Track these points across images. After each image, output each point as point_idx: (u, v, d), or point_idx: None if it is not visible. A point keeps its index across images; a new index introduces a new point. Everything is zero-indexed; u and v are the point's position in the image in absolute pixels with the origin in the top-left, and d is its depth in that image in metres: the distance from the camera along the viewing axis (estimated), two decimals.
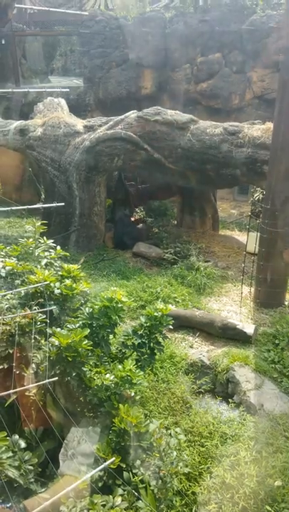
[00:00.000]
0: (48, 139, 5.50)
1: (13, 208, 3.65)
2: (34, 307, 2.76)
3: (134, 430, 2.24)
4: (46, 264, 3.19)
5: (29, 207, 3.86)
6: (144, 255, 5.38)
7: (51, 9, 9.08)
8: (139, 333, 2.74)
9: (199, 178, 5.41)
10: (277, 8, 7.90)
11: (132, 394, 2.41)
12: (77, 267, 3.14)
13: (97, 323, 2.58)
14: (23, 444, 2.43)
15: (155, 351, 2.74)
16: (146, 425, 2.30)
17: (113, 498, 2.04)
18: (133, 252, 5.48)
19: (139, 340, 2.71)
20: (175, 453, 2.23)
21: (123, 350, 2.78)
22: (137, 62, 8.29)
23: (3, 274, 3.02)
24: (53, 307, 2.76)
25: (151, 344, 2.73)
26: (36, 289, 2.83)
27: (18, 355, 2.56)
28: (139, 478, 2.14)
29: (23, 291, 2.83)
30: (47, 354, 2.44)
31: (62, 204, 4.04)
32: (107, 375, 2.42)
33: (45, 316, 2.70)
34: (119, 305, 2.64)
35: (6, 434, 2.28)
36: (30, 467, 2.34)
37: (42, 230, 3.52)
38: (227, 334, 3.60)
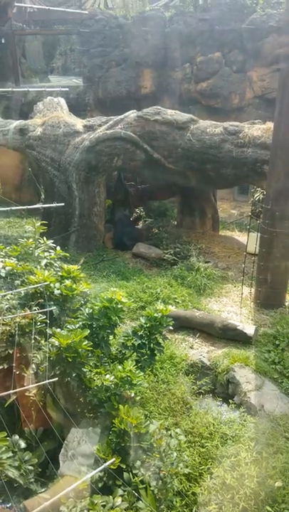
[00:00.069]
0: (47, 138, 5.49)
1: (12, 208, 3.64)
2: (34, 307, 2.75)
3: (134, 431, 2.24)
4: (46, 265, 3.19)
5: (29, 207, 3.86)
6: (143, 256, 5.37)
7: (51, 8, 9.07)
8: (139, 333, 2.73)
9: (199, 178, 5.40)
10: (277, 7, 7.89)
11: (132, 395, 2.41)
12: (77, 268, 3.14)
13: (97, 323, 2.58)
14: (23, 445, 2.43)
15: (155, 352, 2.74)
16: (146, 426, 2.30)
17: (113, 498, 2.04)
18: (133, 252, 5.47)
19: (139, 341, 2.71)
20: (175, 454, 2.23)
21: (123, 351, 2.78)
22: (137, 62, 8.27)
23: (3, 275, 3.02)
24: (53, 308, 2.76)
25: (151, 345, 2.72)
26: (36, 290, 2.83)
27: (18, 355, 2.56)
28: (140, 479, 2.14)
29: (23, 292, 2.83)
30: (47, 354, 2.43)
31: (62, 204, 4.03)
32: (107, 376, 2.42)
33: (45, 317, 2.69)
34: (119, 306, 2.63)
35: (6, 434, 2.28)
36: (31, 467, 2.34)
37: (42, 231, 3.52)
38: (227, 335, 3.60)
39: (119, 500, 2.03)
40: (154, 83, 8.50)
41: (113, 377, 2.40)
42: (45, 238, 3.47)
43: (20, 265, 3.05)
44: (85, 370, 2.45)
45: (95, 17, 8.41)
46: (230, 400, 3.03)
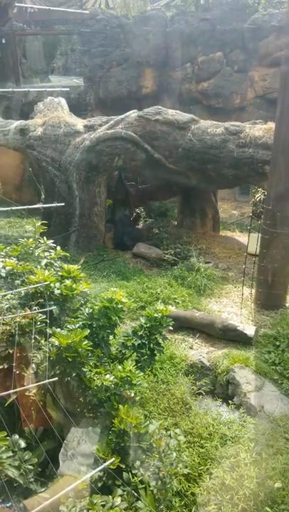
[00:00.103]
0: (48, 138, 5.49)
1: (13, 207, 3.65)
2: (34, 307, 2.76)
3: (134, 431, 2.24)
4: (46, 265, 3.19)
5: (29, 207, 3.86)
6: (144, 256, 5.37)
7: (52, 8, 9.06)
8: (139, 333, 2.73)
9: (200, 178, 5.39)
10: (279, 7, 7.86)
11: (132, 395, 2.41)
12: (77, 268, 3.14)
13: (97, 323, 2.58)
14: (23, 444, 2.44)
15: (155, 352, 2.74)
16: (145, 426, 2.30)
17: (113, 498, 2.05)
18: (133, 252, 5.47)
19: (139, 341, 2.71)
20: (175, 454, 2.23)
21: (123, 351, 2.78)
22: (138, 61, 8.27)
23: (4, 274, 3.02)
24: (53, 307, 2.76)
25: (151, 345, 2.72)
26: (36, 290, 2.83)
27: (18, 355, 2.56)
28: (139, 479, 2.14)
29: (23, 292, 2.83)
30: (47, 354, 2.44)
31: (62, 204, 4.04)
32: (107, 376, 2.42)
33: (45, 317, 2.70)
34: (119, 306, 2.64)
35: (6, 434, 2.28)
36: (30, 467, 2.34)
37: (42, 230, 3.52)
38: (227, 336, 3.60)
39: (118, 500, 2.04)
40: (155, 83, 8.49)
41: (113, 377, 2.40)
42: (45, 238, 3.47)
43: (20, 265, 3.06)
44: (85, 369, 2.45)
45: (96, 17, 8.41)
46: (229, 401, 3.03)
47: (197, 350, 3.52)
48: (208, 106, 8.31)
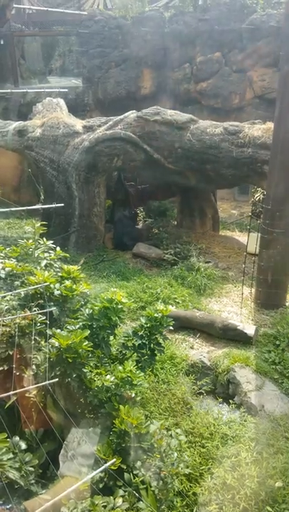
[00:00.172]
0: (46, 139, 5.49)
1: (12, 208, 3.65)
2: (34, 308, 2.75)
3: (135, 431, 2.24)
4: (46, 265, 3.18)
5: (28, 208, 3.86)
6: (144, 256, 5.37)
7: (50, 9, 9.07)
8: (140, 334, 2.73)
9: (199, 178, 5.40)
10: (278, 7, 7.88)
11: (133, 395, 2.41)
12: (77, 268, 3.14)
13: (97, 324, 2.58)
14: (23, 446, 2.43)
15: (155, 352, 2.74)
16: (146, 426, 2.30)
17: (114, 499, 2.04)
18: (133, 252, 5.47)
19: (140, 341, 2.71)
20: (176, 454, 2.23)
21: (123, 352, 2.77)
22: (136, 62, 8.27)
23: (3, 276, 3.02)
24: (53, 308, 2.76)
25: (152, 345, 2.72)
26: (36, 290, 2.82)
27: (18, 356, 2.56)
28: (140, 479, 2.14)
29: (22, 293, 2.83)
30: (47, 355, 2.43)
31: (62, 205, 4.03)
32: (108, 376, 2.41)
33: (45, 318, 2.69)
34: (119, 306, 2.63)
35: (6, 435, 2.28)
36: (31, 468, 2.34)
37: (41, 231, 3.51)
38: (228, 335, 3.60)
39: (120, 500, 2.03)
40: (154, 83, 8.50)
41: (113, 377, 2.40)
42: (44, 239, 3.47)
43: (20, 266, 3.05)
44: (85, 370, 2.45)
45: (94, 18, 8.41)
46: (230, 400, 3.03)
47: (198, 350, 3.52)
48: (206, 106, 8.32)
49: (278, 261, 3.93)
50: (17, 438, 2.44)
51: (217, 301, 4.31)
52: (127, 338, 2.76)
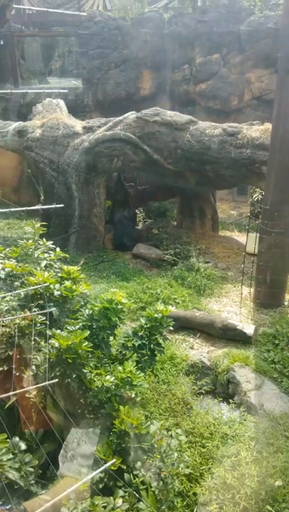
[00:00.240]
0: (46, 140, 5.50)
1: (12, 209, 3.65)
2: (34, 309, 2.75)
3: (135, 432, 2.24)
4: (46, 266, 3.19)
5: (28, 208, 3.87)
6: (143, 256, 5.38)
7: (49, 10, 9.10)
8: (140, 334, 2.74)
9: (198, 179, 5.41)
10: (275, 9, 7.93)
11: (133, 395, 2.41)
12: (77, 269, 3.14)
13: (97, 324, 2.58)
14: (23, 446, 2.43)
15: (155, 352, 2.74)
16: (146, 426, 2.30)
17: (114, 499, 2.04)
18: (133, 253, 5.47)
19: (140, 342, 2.71)
20: (176, 454, 2.23)
21: (123, 352, 2.78)
22: (136, 63, 8.30)
23: (3, 276, 3.02)
24: (53, 309, 2.76)
25: (152, 345, 2.73)
26: (36, 291, 2.82)
27: (17, 357, 2.56)
28: (140, 480, 2.14)
29: (22, 293, 2.83)
30: (47, 356, 2.43)
31: (62, 206, 4.04)
32: (108, 377, 2.41)
33: (44, 318, 2.69)
34: (119, 306, 2.64)
35: (6, 436, 2.28)
36: (31, 469, 2.34)
37: (41, 232, 3.52)
38: (227, 335, 3.61)
39: (120, 501, 2.03)
40: (154, 84, 8.52)
41: (113, 378, 2.40)
42: (44, 239, 3.47)
43: (19, 267, 3.05)
44: (85, 371, 2.45)
45: (94, 19, 8.44)
46: (230, 400, 3.03)
47: (198, 350, 3.53)
48: (206, 107, 8.35)
49: (277, 261, 3.95)
50: (17, 438, 2.44)
51: (217, 301, 4.32)
52: (127, 339, 2.76)
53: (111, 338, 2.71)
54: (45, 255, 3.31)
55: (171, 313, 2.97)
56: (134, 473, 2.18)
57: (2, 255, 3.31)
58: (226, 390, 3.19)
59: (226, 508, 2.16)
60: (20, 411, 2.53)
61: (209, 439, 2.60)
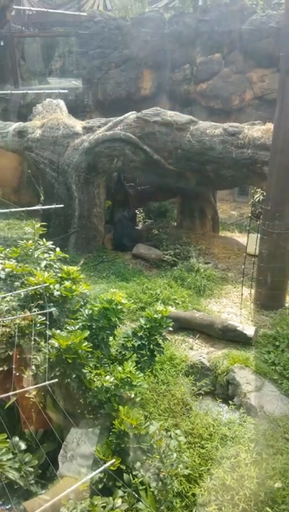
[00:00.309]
0: (46, 140, 5.50)
1: (12, 209, 3.66)
2: (34, 309, 2.76)
3: (134, 432, 2.24)
4: (46, 266, 3.19)
5: (28, 208, 3.87)
6: (143, 257, 5.38)
7: (50, 10, 9.10)
8: (139, 334, 2.74)
9: (199, 179, 5.40)
10: (278, 8, 7.89)
11: (132, 396, 2.41)
12: (77, 269, 3.14)
13: (97, 325, 2.59)
14: (23, 446, 2.43)
15: (155, 353, 2.74)
16: (146, 427, 2.30)
17: (113, 499, 2.04)
18: (133, 253, 5.47)
19: (139, 342, 2.72)
20: (175, 455, 2.23)
21: (123, 352, 2.78)
22: (136, 63, 8.29)
23: (3, 276, 3.02)
24: (53, 309, 2.76)
25: (151, 346, 2.73)
26: (36, 291, 2.83)
27: (17, 357, 2.56)
28: (139, 480, 2.14)
29: (22, 293, 2.83)
30: (47, 356, 2.44)
31: (62, 206, 4.04)
32: (107, 377, 2.42)
33: (44, 318, 2.70)
34: (119, 307, 2.64)
35: (6, 436, 2.28)
36: (31, 469, 2.34)
37: (41, 232, 3.53)
38: (227, 336, 3.60)
39: (119, 501, 2.03)
40: (154, 84, 8.51)
41: (113, 378, 2.40)
42: (44, 240, 3.47)
43: (19, 267, 3.06)
44: (84, 371, 2.45)
45: (94, 19, 8.43)
46: (230, 401, 3.03)
47: (197, 351, 3.53)
48: (206, 107, 8.34)
49: (278, 262, 3.93)
50: (17, 438, 2.45)
51: (217, 302, 4.32)
52: (126, 339, 2.77)
53: (111, 338, 2.71)
54: (45, 255, 3.32)
55: (171, 313, 2.97)
56: (134, 473, 2.18)
57: (2, 255, 3.32)
58: (225, 391, 3.18)
59: (225, 509, 2.16)
60: (20, 411, 2.53)
61: (208, 440, 2.60)
